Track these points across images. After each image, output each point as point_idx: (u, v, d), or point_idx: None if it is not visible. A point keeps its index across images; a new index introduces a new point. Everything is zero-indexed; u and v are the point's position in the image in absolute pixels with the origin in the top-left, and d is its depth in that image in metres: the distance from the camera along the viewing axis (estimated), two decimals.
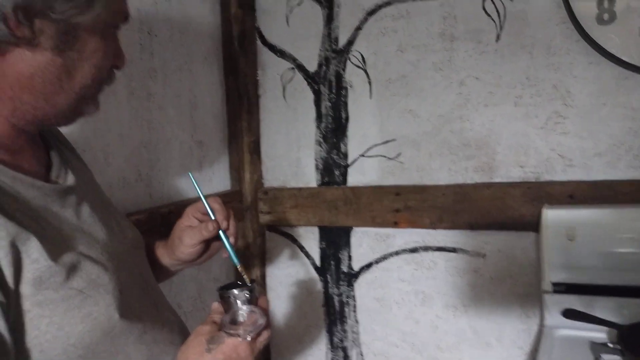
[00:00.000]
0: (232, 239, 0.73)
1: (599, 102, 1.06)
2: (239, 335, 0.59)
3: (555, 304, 1.04)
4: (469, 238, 1.20)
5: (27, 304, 0.48)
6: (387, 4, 1.22)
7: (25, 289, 0.48)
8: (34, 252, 0.49)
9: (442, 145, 1.21)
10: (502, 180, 1.16)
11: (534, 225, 1.10)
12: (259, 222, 1.42)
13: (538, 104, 1.11)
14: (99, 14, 0.53)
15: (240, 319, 0.62)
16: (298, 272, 1.42)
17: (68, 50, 0.53)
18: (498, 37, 1.12)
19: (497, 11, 1.12)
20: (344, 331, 1.38)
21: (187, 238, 0.73)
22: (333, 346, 1.40)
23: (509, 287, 1.18)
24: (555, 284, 1.05)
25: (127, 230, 0.69)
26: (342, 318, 1.38)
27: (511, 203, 1.13)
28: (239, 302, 0.63)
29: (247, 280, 0.69)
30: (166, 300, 0.72)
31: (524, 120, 1.12)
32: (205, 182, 1.30)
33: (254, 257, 1.41)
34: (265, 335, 0.62)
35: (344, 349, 1.39)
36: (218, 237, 0.73)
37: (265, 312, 0.64)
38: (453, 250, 1.22)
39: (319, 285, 1.40)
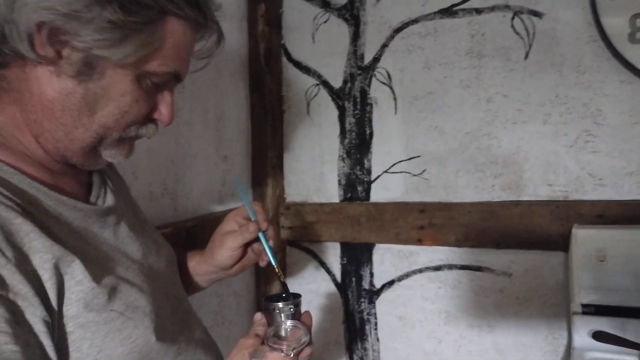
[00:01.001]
0: (270, 242, 0.75)
1: (631, 121, 1.05)
2: (282, 351, 0.59)
3: (585, 325, 1.02)
4: (495, 257, 1.19)
5: (70, 326, 0.48)
6: (414, 21, 1.23)
7: (70, 310, 0.48)
8: (78, 274, 0.49)
9: (468, 162, 1.20)
10: (530, 198, 1.15)
11: (562, 244, 1.09)
12: (280, 237, 1.41)
13: (568, 122, 1.10)
14: (129, 55, 0.51)
15: (283, 333, 0.62)
16: (318, 288, 1.41)
17: (90, 82, 0.51)
18: (527, 55, 1.12)
19: (526, 29, 1.12)
20: (365, 349, 1.36)
21: (229, 241, 0.74)
22: None
23: (536, 308, 1.16)
24: (584, 306, 1.03)
25: (162, 248, 0.69)
26: (363, 336, 1.36)
27: (539, 222, 1.11)
28: (283, 315, 0.63)
29: (282, 276, 0.71)
30: (198, 318, 0.72)
31: (553, 138, 1.12)
32: (229, 197, 1.31)
33: (275, 272, 1.41)
34: (307, 351, 0.62)
35: None
36: (256, 240, 0.75)
37: (309, 328, 0.64)
38: (478, 269, 1.21)
39: (340, 302, 1.39)
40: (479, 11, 1.16)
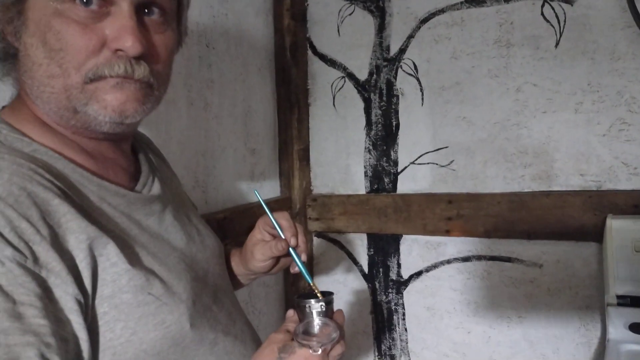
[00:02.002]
0: (303, 256, 0.71)
1: None
2: (310, 347, 0.58)
3: (620, 317, 1.00)
4: (525, 248, 1.18)
5: (105, 306, 0.48)
6: (441, 11, 1.22)
7: (105, 290, 0.49)
8: (113, 256, 0.49)
9: (497, 152, 1.19)
10: (562, 188, 1.13)
11: (595, 235, 1.07)
12: (307, 229, 1.43)
13: (600, 111, 1.08)
14: None
15: (313, 330, 0.62)
16: (346, 278, 1.42)
17: (24, 35, 0.50)
18: (557, 43, 1.10)
19: (557, 16, 1.10)
20: (393, 339, 1.37)
21: (258, 253, 0.73)
22: (381, 354, 1.39)
23: (568, 299, 1.14)
24: (619, 297, 1.01)
25: (207, 239, 0.69)
26: (391, 326, 1.37)
27: (571, 212, 1.09)
28: (314, 312, 0.63)
29: (319, 295, 0.68)
30: (242, 311, 0.72)
31: (585, 127, 1.09)
32: (257, 189, 1.33)
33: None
34: (338, 350, 0.60)
35: (392, 357, 1.38)
36: (288, 254, 0.72)
37: (340, 326, 0.63)
38: (508, 259, 1.20)
39: (367, 293, 1.40)
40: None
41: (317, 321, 0.62)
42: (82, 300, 0.46)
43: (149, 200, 0.60)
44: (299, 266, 0.71)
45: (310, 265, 1.45)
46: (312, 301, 0.63)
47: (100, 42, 0.50)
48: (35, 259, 0.43)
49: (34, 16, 0.50)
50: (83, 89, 0.51)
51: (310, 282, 0.69)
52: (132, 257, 0.52)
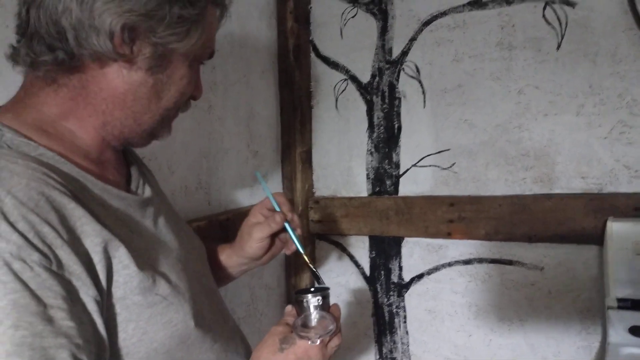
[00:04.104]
0: (297, 230, 0.78)
1: None
2: (309, 338, 0.61)
3: (621, 320, 1.00)
4: (527, 251, 1.18)
5: (117, 307, 0.50)
6: (443, 14, 1.22)
7: (118, 292, 0.51)
8: (124, 259, 0.51)
9: (499, 155, 1.19)
10: (563, 191, 1.13)
11: (596, 238, 1.07)
12: (309, 231, 1.44)
13: (602, 113, 1.08)
14: (194, 45, 0.57)
15: (312, 323, 0.65)
16: (347, 281, 1.43)
17: (160, 73, 0.57)
18: (559, 46, 1.10)
19: (558, 19, 1.10)
20: (394, 342, 1.38)
21: (256, 232, 0.77)
22: (382, 357, 1.40)
23: (569, 302, 1.14)
24: (620, 300, 1.01)
25: (193, 240, 0.72)
26: (392, 329, 1.37)
27: (572, 215, 1.09)
28: (311, 306, 0.66)
29: (310, 262, 0.75)
30: (228, 309, 0.74)
31: (586, 130, 1.10)
32: (259, 191, 1.33)
33: (304, 266, 1.43)
34: (336, 341, 0.64)
35: None
36: (284, 230, 0.78)
37: (336, 319, 0.66)
38: (509, 262, 1.20)
39: (369, 295, 1.40)
40: (509, 2, 1.15)
41: (314, 314, 0.66)
42: (100, 301, 0.48)
43: (144, 202, 0.62)
44: (292, 238, 0.77)
45: (311, 260, 1.46)
46: (309, 295, 0.66)
47: None
48: (59, 263, 0.45)
49: (178, 63, 0.58)
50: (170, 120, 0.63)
51: (302, 251, 0.75)
52: (139, 259, 0.53)
